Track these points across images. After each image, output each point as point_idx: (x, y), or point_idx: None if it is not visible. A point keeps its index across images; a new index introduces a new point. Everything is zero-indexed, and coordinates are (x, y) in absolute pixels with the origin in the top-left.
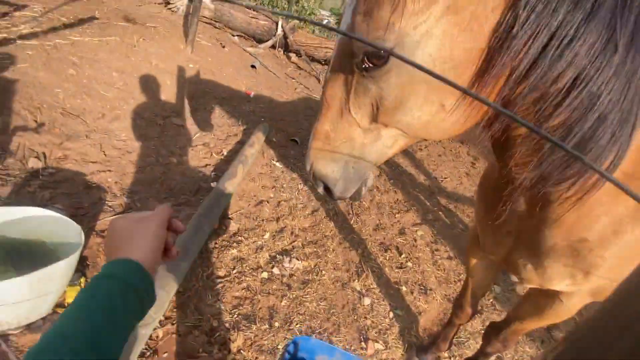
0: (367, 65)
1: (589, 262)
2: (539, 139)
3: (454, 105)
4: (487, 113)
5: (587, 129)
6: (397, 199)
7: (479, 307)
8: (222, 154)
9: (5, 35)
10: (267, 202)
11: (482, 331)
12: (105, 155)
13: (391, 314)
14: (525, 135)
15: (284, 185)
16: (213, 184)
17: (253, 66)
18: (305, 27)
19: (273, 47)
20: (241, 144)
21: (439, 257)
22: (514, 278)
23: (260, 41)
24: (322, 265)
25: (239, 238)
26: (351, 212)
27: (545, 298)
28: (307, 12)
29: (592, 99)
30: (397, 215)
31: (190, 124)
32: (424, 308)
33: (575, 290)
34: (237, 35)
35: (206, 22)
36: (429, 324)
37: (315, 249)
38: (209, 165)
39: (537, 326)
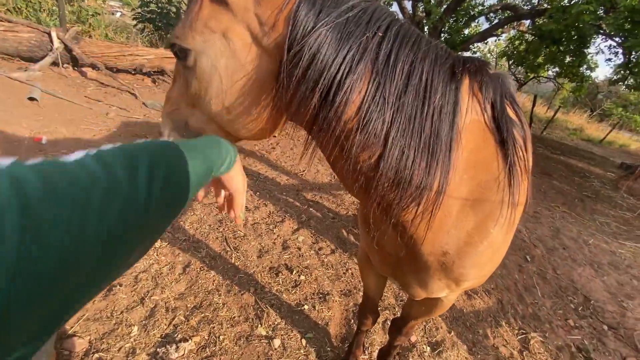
0: (178, 54)
1: (456, 273)
2: (350, 171)
3: (236, 109)
4: (277, 128)
5: (397, 160)
6: (270, 212)
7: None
8: None
9: None
10: (120, 285)
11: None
12: None
13: (304, 342)
14: (342, 166)
15: None
16: None
17: (32, 98)
18: (95, 35)
19: (55, 64)
20: None
21: (324, 255)
22: None
23: (30, 60)
24: (217, 329)
25: (97, 355)
26: (229, 248)
27: (430, 300)
28: (89, 14)
29: (382, 134)
30: (275, 230)
31: None
32: (328, 316)
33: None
34: None
35: None
36: (338, 328)
37: (202, 314)
38: None
39: (428, 318)
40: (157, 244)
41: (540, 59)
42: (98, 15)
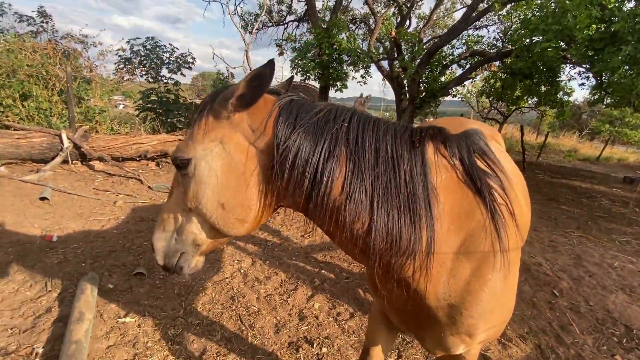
0: (180, 166)
1: (466, 324)
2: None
3: (240, 204)
4: (267, 217)
5: (385, 221)
6: (281, 280)
7: None
8: (35, 355)
9: None
10: None
11: None
12: None
13: None
14: (341, 237)
15: (149, 344)
16: None
17: (44, 198)
18: (101, 130)
19: (65, 162)
20: (62, 321)
21: (343, 321)
22: None
23: (42, 162)
24: None
25: None
26: (244, 327)
27: (451, 358)
28: (96, 112)
29: (367, 201)
30: (289, 300)
31: None
32: None
33: (472, 346)
34: (4, 165)
35: None
36: None
37: None
38: None
39: None
40: (170, 332)
41: (517, 92)
42: (104, 112)
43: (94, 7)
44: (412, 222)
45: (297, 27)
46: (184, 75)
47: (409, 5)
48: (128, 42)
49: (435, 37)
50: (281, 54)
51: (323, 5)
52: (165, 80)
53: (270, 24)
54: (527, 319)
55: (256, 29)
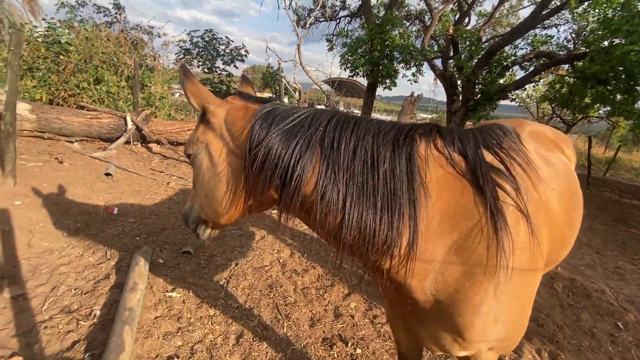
0: (188, 157)
1: (456, 323)
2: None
3: (215, 197)
4: (247, 209)
5: (357, 221)
6: (318, 275)
7: None
8: (94, 316)
9: None
10: (177, 357)
11: None
12: None
13: None
14: (314, 226)
15: (192, 320)
16: None
17: (108, 174)
18: (160, 115)
19: (128, 142)
20: (118, 288)
21: (379, 324)
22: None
23: (108, 141)
24: None
25: None
26: (280, 316)
27: None
28: (157, 98)
29: (340, 201)
30: (325, 295)
31: (35, 287)
32: None
33: (476, 352)
34: (78, 141)
35: (30, 137)
36: None
37: None
38: (79, 341)
39: None
40: (211, 311)
41: (587, 100)
42: (164, 99)
43: (160, 0)
44: (390, 222)
45: (349, 22)
46: (236, 67)
47: (469, 2)
48: (188, 33)
49: (496, 36)
50: (331, 49)
51: (378, 0)
52: (219, 72)
53: (322, 19)
54: (584, 350)
55: (309, 24)
